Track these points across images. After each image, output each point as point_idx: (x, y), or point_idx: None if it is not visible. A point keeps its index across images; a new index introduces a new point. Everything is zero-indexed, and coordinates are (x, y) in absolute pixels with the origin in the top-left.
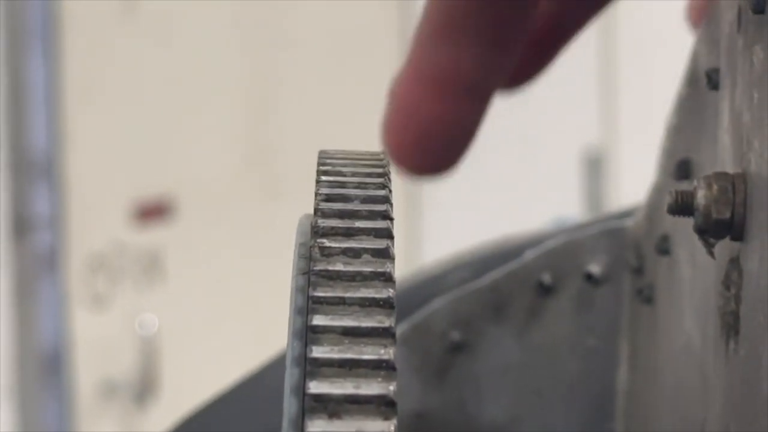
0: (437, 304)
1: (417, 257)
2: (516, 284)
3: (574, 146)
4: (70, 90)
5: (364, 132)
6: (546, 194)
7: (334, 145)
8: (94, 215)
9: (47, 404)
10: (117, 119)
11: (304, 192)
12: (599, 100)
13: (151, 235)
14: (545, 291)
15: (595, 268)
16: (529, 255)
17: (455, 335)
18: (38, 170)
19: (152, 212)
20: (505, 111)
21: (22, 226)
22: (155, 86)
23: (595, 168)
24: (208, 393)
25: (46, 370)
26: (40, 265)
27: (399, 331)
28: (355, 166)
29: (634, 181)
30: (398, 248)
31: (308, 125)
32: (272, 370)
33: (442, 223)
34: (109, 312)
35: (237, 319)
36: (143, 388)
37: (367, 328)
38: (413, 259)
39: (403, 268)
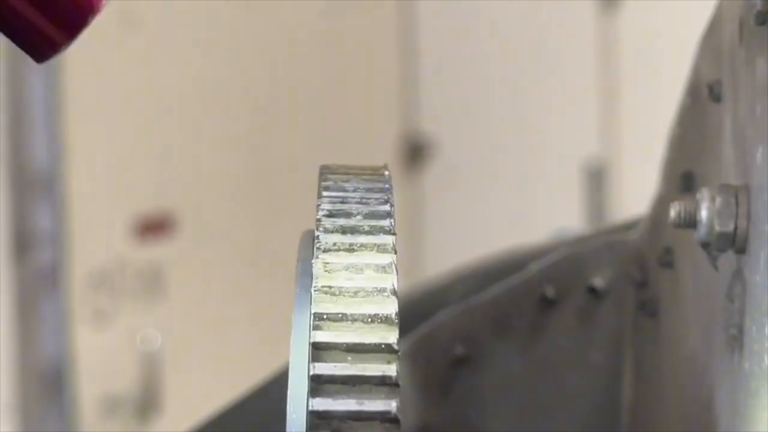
0: (441, 318)
1: (420, 270)
2: (519, 298)
3: (575, 157)
4: (70, 106)
5: (365, 147)
6: (547, 205)
7: (335, 160)
8: (95, 231)
9: (49, 420)
10: (117, 135)
11: (305, 207)
12: (600, 110)
13: (153, 251)
14: (548, 304)
15: (598, 281)
16: (532, 268)
17: (459, 349)
18: (39, 186)
19: (153, 228)
20: (506, 122)
21: (23, 243)
22: (156, 102)
23: (596, 179)
24: (210, 408)
25: (49, 386)
26: (42, 282)
27: (403, 345)
28: (356, 181)
29: (636, 191)
30: (401, 261)
31: (309, 140)
32: (275, 386)
33: (445, 235)
34: (111, 328)
35: (239, 335)
36: (145, 404)
37: (370, 344)
38: (416, 272)
39: (405, 282)
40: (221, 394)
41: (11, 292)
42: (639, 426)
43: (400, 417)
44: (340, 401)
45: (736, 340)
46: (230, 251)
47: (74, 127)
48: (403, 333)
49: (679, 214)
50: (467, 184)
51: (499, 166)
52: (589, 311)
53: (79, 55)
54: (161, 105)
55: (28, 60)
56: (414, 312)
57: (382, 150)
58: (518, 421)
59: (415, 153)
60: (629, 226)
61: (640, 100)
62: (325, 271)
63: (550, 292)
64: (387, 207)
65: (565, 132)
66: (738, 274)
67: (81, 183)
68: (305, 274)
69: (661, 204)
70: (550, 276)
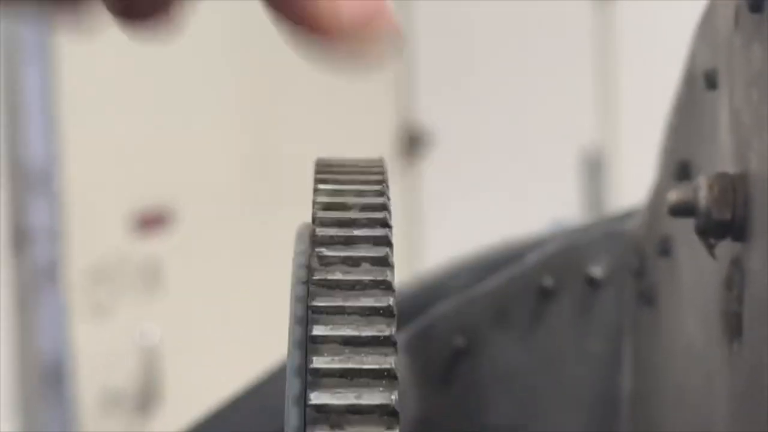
0: (440, 310)
1: (417, 261)
2: (518, 289)
3: (573, 147)
4: (67, 100)
5: (362, 139)
6: (545, 195)
7: (332, 152)
8: (93, 226)
9: (50, 415)
10: (115, 129)
11: (304, 199)
12: (598, 100)
13: (152, 245)
14: (547, 295)
15: (596, 271)
16: (531, 259)
17: (459, 341)
18: (37, 182)
19: (152, 222)
20: (504, 113)
21: (21, 239)
22: (154, 95)
23: (594, 169)
24: (211, 402)
25: (49, 381)
26: (41, 277)
27: (402, 337)
28: (352, 173)
29: (634, 181)
30: (398, 253)
31: (307, 133)
32: (274, 381)
33: (442, 227)
34: (111, 323)
35: (238, 328)
36: (145, 398)
37: (367, 337)
38: (414, 264)
39: (404, 274)
40: (221, 387)
41: (10, 287)
42: (639, 415)
43: (399, 410)
44: (339, 395)
45: (735, 329)
46: (229, 245)
47: (71, 121)
48: (401, 325)
49: (676, 202)
50: (464, 174)
51: (497, 156)
52: (587, 301)
53: (77, 49)
54: (159, 98)
55: (25, 55)
56: (412, 304)
57: (379, 141)
58: (518, 411)
59: (412, 144)
60: (627, 215)
61: (638, 89)
62: (321, 264)
63: (548, 282)
64: (383, 199)
65: (563, 122)
66: (736, 263)
67: (79, 177)
68: (301, 267)
69: (658, 193)
70: (548, 266)
